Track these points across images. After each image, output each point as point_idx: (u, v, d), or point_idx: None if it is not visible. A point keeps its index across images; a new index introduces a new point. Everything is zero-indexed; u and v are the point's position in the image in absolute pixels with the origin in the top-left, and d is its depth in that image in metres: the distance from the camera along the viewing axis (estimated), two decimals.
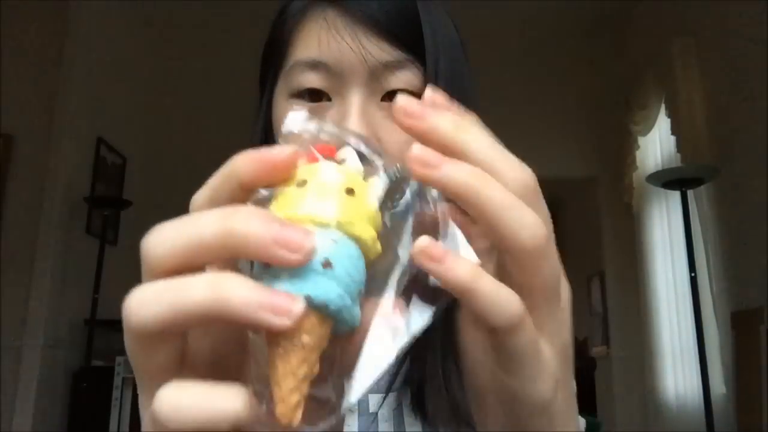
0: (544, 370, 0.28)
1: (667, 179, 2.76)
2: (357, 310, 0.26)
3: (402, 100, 0.27)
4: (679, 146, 3.18)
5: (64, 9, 3.44)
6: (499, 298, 0.25)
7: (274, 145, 0.27)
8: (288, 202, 0.26)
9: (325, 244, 0.25)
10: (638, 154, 3.80)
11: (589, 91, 4.30)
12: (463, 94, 0.47)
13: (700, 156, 3.03)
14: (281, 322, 0.23)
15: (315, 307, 0.24)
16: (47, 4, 3.47)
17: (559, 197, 6.14)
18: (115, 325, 3.55)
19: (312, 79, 0.48)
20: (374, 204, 0.27)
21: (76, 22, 3.45)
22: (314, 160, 0.28)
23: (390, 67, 0.47)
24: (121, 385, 3.24)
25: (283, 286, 0.24)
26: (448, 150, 0.27)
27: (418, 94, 0.42)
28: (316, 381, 0.25)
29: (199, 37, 4.30)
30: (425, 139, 0.27)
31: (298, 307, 0.23)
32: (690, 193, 2.82)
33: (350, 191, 0.26)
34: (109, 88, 3.75)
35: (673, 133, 3.24)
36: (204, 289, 0.24)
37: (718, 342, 2.88)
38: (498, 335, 0.26)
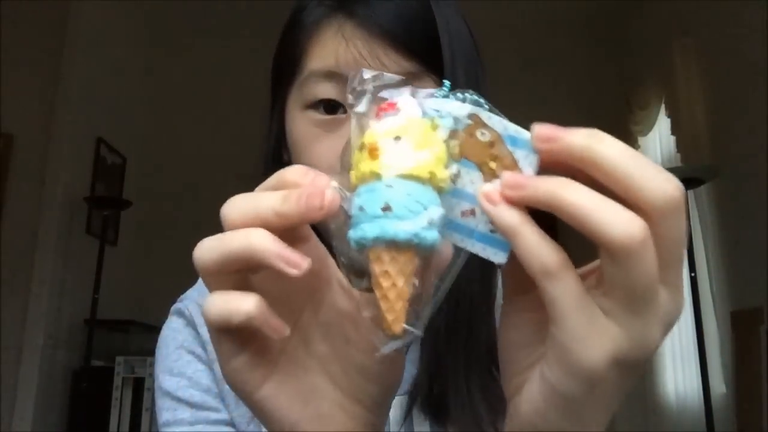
0: (659, 312, 0.29)
1: None
2: (429, 234, 0.30)
3: (538, 129, 0.30)
4: (679, 146, 3.18)
5: (64, 9, 3.45)
6: (620, 215, 0.28)
7: (288, 162, 0.30)
8: (356, 165, 0.32)
9: (383, 191, 0.30)
10: None
11: (589, 91, 4.30)
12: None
13: (700, 156, 3.03)
14: (292, 271, 0.30)
15: (386, 243, 0.30)
16: (47, 4, 3.47)
17: None
18: (115, 325, 3.56)
19: (328, 90, 0.48)
20: (433, 140, 0.31)
21: (76, 22, 3.45)
22: (379, 114, 0.32)
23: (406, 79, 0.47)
24: (121, 385, 3.24)
25: (356, 233, 0.30)
26: (587, 163, 0.30)
27: None
28: (411, 300, 0.31)
29: (199, 37, 4.30)
30: (565, 159, 0.30)
31: (306, 263, 0.30)
32: (690, 193, 2.82)
33: (398, 138, 0.31)
34: (109, 88, 3.75)
35: (673, 133, 3.25)
36: (240, 240, 0.31)
37: (718, 342, 2.88)
38: (615, 260, 0.28)
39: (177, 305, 0.61)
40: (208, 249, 0.33)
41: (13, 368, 3.04)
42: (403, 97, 0.32)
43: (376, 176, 0.30)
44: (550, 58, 4.34)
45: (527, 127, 0.33)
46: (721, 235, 2.97)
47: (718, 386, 2.83)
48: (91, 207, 3.40)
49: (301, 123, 0.50)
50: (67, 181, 3.31)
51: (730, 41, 2.95)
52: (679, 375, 3.33)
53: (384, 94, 0.33)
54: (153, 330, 3.81)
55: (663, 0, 3.65)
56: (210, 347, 0.56)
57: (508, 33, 4.35)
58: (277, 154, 0.56)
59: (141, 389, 3.25)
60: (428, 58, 0.48)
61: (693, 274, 2.70)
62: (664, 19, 3.65)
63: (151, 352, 0.61)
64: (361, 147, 0.31)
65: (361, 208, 0.30)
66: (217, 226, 0.36)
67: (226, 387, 0.52)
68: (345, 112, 0.48)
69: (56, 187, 3.25)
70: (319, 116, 0.49)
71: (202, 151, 4.17)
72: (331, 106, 0.49)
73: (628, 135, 3.89)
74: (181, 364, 0.56)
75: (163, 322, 0.61)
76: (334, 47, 0.48)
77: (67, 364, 3.26)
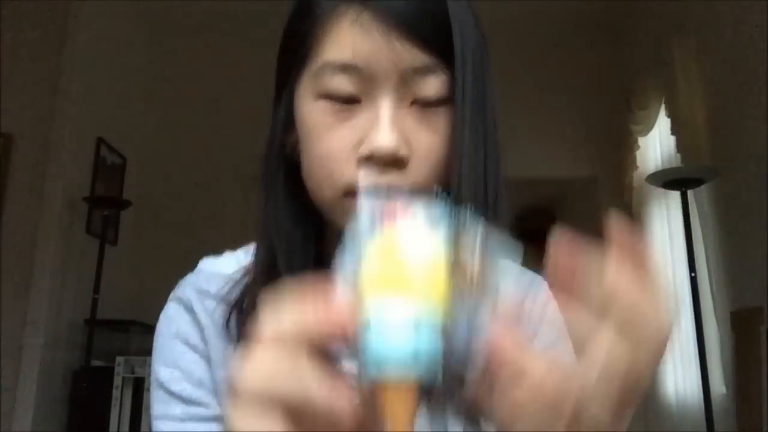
0: None
1: (667, 179, 2.76)
2: (429, 369, 0.31)
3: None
4: (679, 146, 3.18)
5: (64, 9, 3.45)
6: None
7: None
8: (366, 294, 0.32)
9: (393, 323, 0.31)
10: (638, 154, 3.80)
11: (589, 91, 4.30)
12: (486, 94, 0.50)
13: (700, 156, 3.03)
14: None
15: (385, 381, 0.31)
16: (47, 4, 3.47)
17: (559, 197, 6.14)
18: (115, 325, 3.56)
19: (343, 82, 0.48)
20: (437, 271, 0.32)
21: (76, 22, 3.44)
22: (389, 226, 0.32)
23: (421, 71, 0.48)
24: (121, 385, 3.24)
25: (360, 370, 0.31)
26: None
27: (444, 101, 0.48)
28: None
29: (200, 37, 4.30)
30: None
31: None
32: (690, 193, 2.81)
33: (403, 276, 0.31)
34: (109, 88, 3.75)
35: (673, 133, 3.24)
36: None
37: (718, 342, 2.87)
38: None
39: (175, 291, 0.61)
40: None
41: (13, 368, 3.04)
42: (409, 226, 0.32)
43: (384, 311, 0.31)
44: (550, 58, 4.34)
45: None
46: (721, 235, 2.97)
47: (718, 386, 2.83)
48: (91, 207, 3.40)
49: (314, 112, 0.50)
50: (67, 181, 3.31)
51: (730, 41, 2.95)
52: (679, 375, 3.32)
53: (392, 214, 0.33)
54: (153, 330, 3.81)
55: (663, 0, 3.65)
56: (208, 333, 0.56)
57: (507, 33, 4.35)
58: (284, 139, 0.55)
59: (141, 389, 3.25)
60: (442, 51, 0.48)
61: (693, 274, 2.70)
62: (664, 18, 3.65)
63: (151, 352, 0.62)
64: (374, 278, 0.32)
65: (373, 340, 0.31)
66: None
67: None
68: (359, 101, 0.48)
69: (56, 187, 3.25)
70: (333, 106, 0.49)
71: (202, 151, 4.17)
72: (346, 98, 0.49)
73: (628, 135, 3.90)
74: (176, 354, 0.56)
75: None
76: (350, 38, 0.47)
77: (67, 364, 3.26)
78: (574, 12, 4.17)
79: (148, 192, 4.02)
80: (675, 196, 2.99)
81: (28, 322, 3.09)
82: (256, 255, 0.56)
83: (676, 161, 3.22)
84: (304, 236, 0.52)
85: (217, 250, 0.69)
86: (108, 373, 3.24)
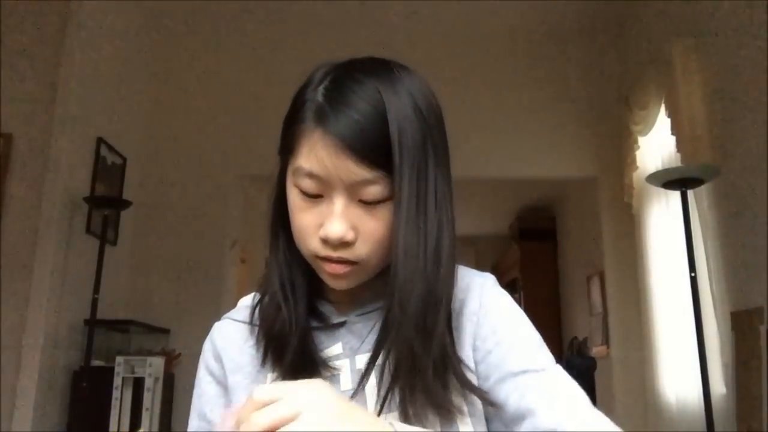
0: None
1: (667, 179, 2.76)
2: None
3: None
4: (679, 146, 3.18)
5: (64, 9, 3.45)
6: None
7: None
8: None
9: None
10: (638, 154, 3.80)
11: (589, 91, 4.30)
12: (425, 189, 0.63)
13: (700, 156, 3.03)
14: None
15: None
16: (47, 4, 3.47)
17: (559, 197, 6.14)
18: (115, 325, 3.56)
19: (309, 184, 0.63)
20: None
21: (76, 22, 3.44)
22: None
23: (363, 183, 0.61)
24: (121, 384, 3.24)
25: None
26: None
27: (386, 200, 0.62)
28: None
29: (200, 37, 4.30)
30: None
31: None
32: (690, 193, 2.81)
33: None
34: (109, 88, 3.75)
35: (673, 133, 3.24)
36: None
37: (718, 342, 2.88)
38: None
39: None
40: None
41: (13, 368, 3.04)
42: None
43: None
44: (551, 58, 4.34)
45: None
46: (721, 235, 2.97)
47: (719, 386, 2.83)
48: (91, 207, 3.40)
49: (292, 194, 0.65)
50: (67, 181, 3.31)
51: (730, 41, 2.95)
52: (679, 375, 3.32)
53: None
54: (153, 330, 3.83)
55: (663, 0, 3.66)
56: (225, 359, 0.71)
57: (508, 34, 4.35)
58: (283, 202, 0.69)
59: (141, 389, 3.25)
60: (382, 164, 0.61)
61: (693, 274, 2.69)
62: (664, 19, 3.65)
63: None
64: None
65: None
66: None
67: (235, 380, 0.69)
68: (322, 196, 0.63)
69: (56, 187, 3.25)
70: (303, 195, 0.64)
71: (202, 151, 4.17)
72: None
73: (628, 135, 3.90)
74: (203, 384, 0.73)
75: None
76: (314, 153, 0.62)
77: (67, 364, 3.26)
78: (574, 13, 4.17)
79: (148, 192, 4.02)
80: (675, 196, 2.99)
81: (28, 322, 3.09)
82: (265, 286, 0.72)
83: (676, 161, 3.22)
84: (301, 273, 0.70)
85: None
86: (108, 372, 3.24)
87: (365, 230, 0.64)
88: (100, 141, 3.61)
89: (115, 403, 3.20)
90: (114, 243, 3.66)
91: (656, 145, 3.63)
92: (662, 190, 2.96)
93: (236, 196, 4.24)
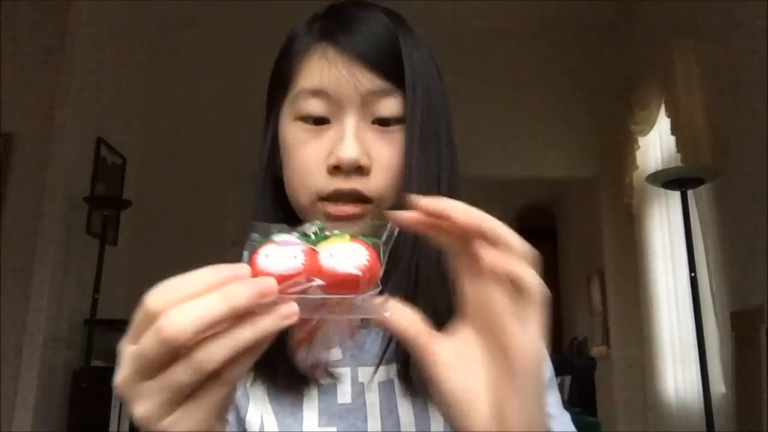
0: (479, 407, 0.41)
1: (667, 179, 2.76)
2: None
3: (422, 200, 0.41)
4: (679, 146, 3.18)
5: (64, 9, 3.44)
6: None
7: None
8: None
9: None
10: (638, 154, 3.80)
11: (590, 91, 4.30)
12: (436, 113, 0.59)
13: (700, 156, 3.03)
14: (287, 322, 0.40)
15: None
16: (47, 4, 3.47)
17: (559, 197, 6.14)
18: (115, 324, 3.55)
19: (314, 105, 0.58)
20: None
21: (76, 22, 3.44)
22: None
23: (378, 94, 0.57)
24: None
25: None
26: (465, 229, 0.42)
27: (401, 120, 0.58)
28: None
29: (199, 37, 4.30)
30: (447, 227, 0.41)
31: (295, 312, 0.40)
32: (690, 193, 2.81)
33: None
34: (109, 88, 3.75)
35: (673, 133, 3.24)
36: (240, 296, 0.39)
37: (718, 342, 2.87)
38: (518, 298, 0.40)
39: None
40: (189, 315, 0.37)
41: (13, 368, 3.04)
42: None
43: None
44: (551, 58, 4.34)
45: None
46: (721, 235, 2.97)
47: (718, 386, 2.83)
48: (91, 207, 3.40)
49: (292, 131, 0.60)
50: (67, 181, 3.31)
51: (730, 41, 2.95)
52: (679, 375, 3.32)
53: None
54: None
55: (663, 0, 3.66)
56: None
57: (508, 35, 4.35)
58: (272, 156, 0.65)
59: None
60: (396, 78, 0.58)
61: (693, 274, 2.69)
62: (664, 19, 3.65)
63: None
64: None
65: None
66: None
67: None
68: (329, 122, 0.58)
69: (56, 187, 3.25)
70: (307, 126, 0.59)
71: (201, 151, 4.17)
72: (318, 118, 0.59)
73: (628, 135, 3.90)
74: None
75: None
76: (319, 69, 0.58)
77: (67, 364, 3.26)
78: (574, 13, 4.17)
79: (148, 192, 4.02)
80: (675, 196, 2.99)
81: (28, 322, 3.09)
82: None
83: (676, 161, 3.22)
84: None
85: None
86: (108, 373, 3.23)
87: (380, 157, 0.57)
88: (100, 141, 3.61)
89: (115, 403, 3.20)
90: (114, 243, 3.66)
91: (656, 145, 3.64)
92: (662, 190, 2.97)
93: (236, 196, 4.23)
